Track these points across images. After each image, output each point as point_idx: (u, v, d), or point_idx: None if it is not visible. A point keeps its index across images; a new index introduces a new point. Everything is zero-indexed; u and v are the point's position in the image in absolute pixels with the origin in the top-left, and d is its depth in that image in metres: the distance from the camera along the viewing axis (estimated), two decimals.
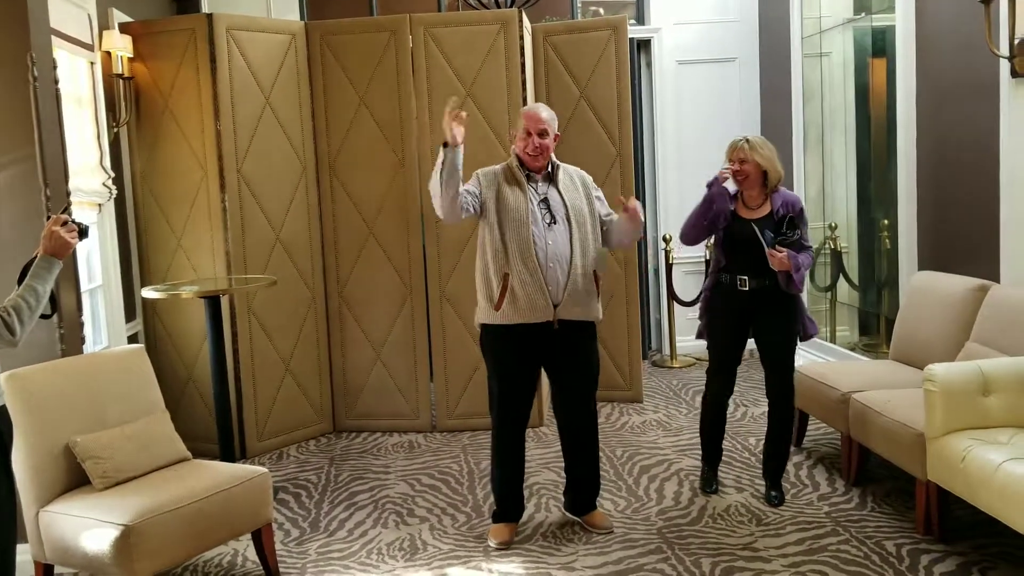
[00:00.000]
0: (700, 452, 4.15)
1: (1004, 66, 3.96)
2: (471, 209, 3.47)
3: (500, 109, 5.01)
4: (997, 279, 4.12)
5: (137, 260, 5.03)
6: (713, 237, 3.91)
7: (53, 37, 3.79)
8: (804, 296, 3.84)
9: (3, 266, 3.30)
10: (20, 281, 2.62)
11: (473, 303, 3.72)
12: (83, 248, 4.34)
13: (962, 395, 3.29)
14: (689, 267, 6.78)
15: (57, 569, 3.26)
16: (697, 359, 6.73)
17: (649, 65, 6.86)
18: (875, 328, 6.05)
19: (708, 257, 6.50)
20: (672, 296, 6.65)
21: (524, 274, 3.44)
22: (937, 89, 4.64)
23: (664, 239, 6.68)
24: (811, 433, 4.72)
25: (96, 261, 4.62)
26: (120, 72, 4.74)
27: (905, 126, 4.90)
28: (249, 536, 3.52)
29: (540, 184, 3.55)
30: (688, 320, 6.67)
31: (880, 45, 5.68)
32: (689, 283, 6.76)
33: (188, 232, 4.92)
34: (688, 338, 6.59)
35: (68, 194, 3.77)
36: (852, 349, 6.04)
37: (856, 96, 6.05)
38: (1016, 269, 4.01)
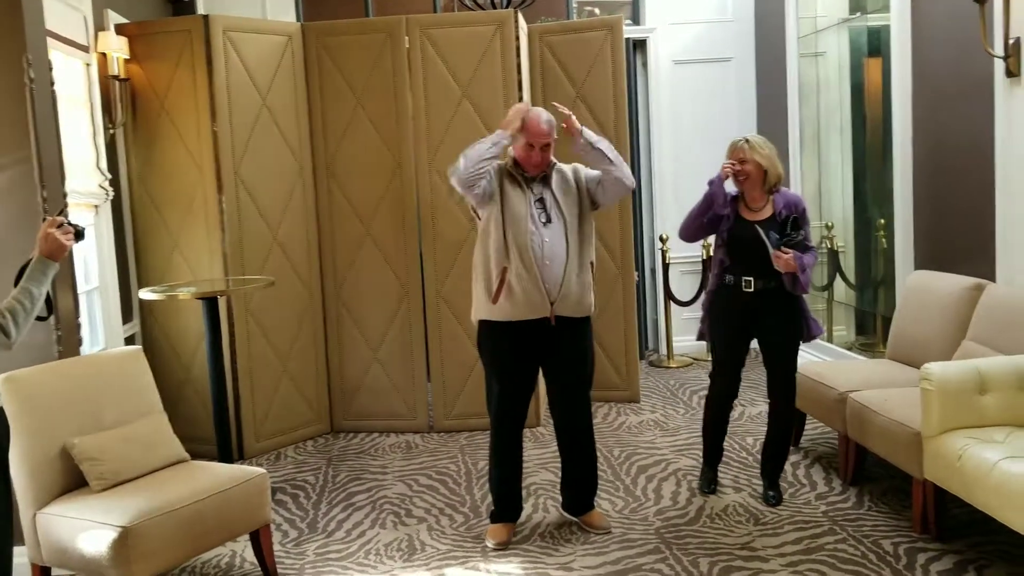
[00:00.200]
0: (697, 451, 4.17)
1: (999, 66, 3.97)
2: (483, 190, 3.48)
3: (496, 110, 5.00)
4: (993, 278, 4.13)
5: (134, 261, 5.02)
6: (713, 237, 3.90)
7: (49, 39, 3.78)
8: (809, 292, 3.84)
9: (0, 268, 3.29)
10: (17, 283, 2.62)
11: (470, 303, 3.72)
12: (80, 250, 4.34)
13: (958, 394, 3.30)
14: (686, 267, 6.78)
15: (54, 571, 3.25)
16: (694, 359, 6.74)
17: (645, 65, 6.87)
18: (872, 327, 6.07)
19: (705, 257, 6.51)
20: (669, 296, 6.66)
21: (521, 270, 3.47)
22: (932, 89, 4.65)
23: (661, 239, 6.69)
24: (808, 433, 4.73)
25: (93, 263, 4.61)
26: (116, 73, 4.74)
27: (901, 126, 4.91)
28: (247, 537, 3.53)
29: (536, 185, 3.57)
30: (684, 320, 6.69)
31: (875, 45, 5.69)
32: (686, 283, 6.76)
33: (185, 233, 4.91)
34: (685, 338, 6.61)
35: (64, 196, 3.76)
36: (849, 348, 6.05)
37: (852, 96, 6.06)
38: (1011, 268, 4.02)
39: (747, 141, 3.75)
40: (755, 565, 3.35)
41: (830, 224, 6.17)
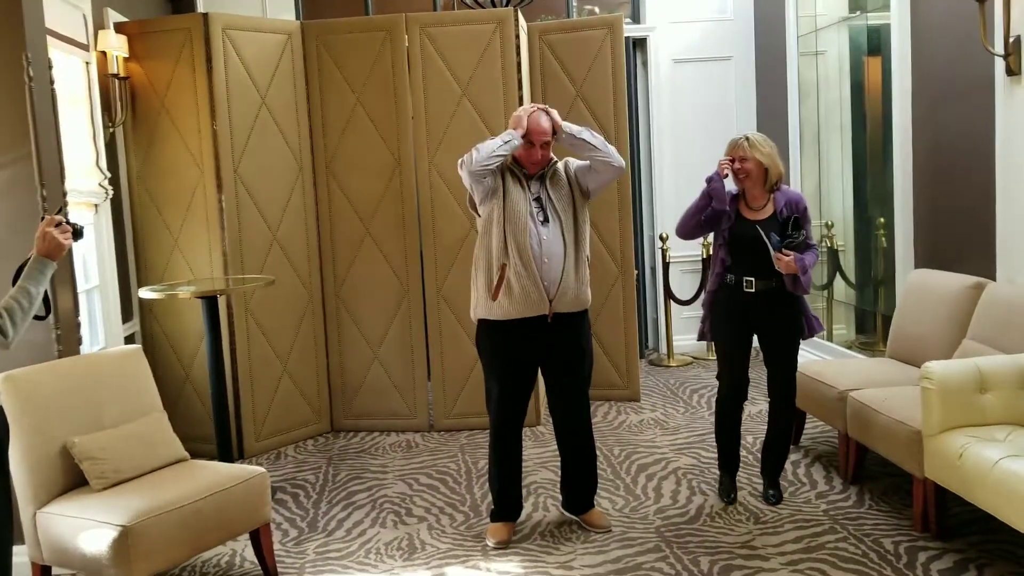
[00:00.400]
0: (698, 450, 4.14)
1: (999, 64, 3.97)
2: (489, 180, 3.51)
3: (496, 108, 5.00)
4: (993, 277, 4.13)
5: (134, 260, 5.02)
6: (713, 236, 3.88)
7: (48, 37, 3.78)
8: (810, 293, 3.82)
9: None
10: (15, 282, 2.61)
11: (470, 301, 3.72)
12: (79, 249, 4.34)
13: (959, 393, 3.30)
14: (686, 266, 6.78)
15: (55, 570, 3.25)
16: (695, 358, 6.74)
17: (645, 64, 6.87)
18: (872, 326, 6.06)
19: (705, 256, 6.51)
20: (669, 295, 6.65)
21: (520, 267, 3.48)
22: (932, 87, 4.65)
23: (661, 238, 6.69)
24: (808, 431, 4.73)
25: (93, 262, 4.61)
26: (116, 72, 4.74)
27: (901, 124, 4.91)
28: (247, 536, 3.52)
29: (534, 183, 3.58)
30: (684, 319, 6.68)
31: (875, 43, 5.68)
32: (686, 282, 6.76)
33: (185, 232, 4.91)
34: (685, 337, 6.61)
35: (64, 194, 3.76)
36: (849, 347, 6.05)
37: (852, 94, 6.05)
38: (1012, 266, 4.02)
39: (747, 139, 3.71)
40: (755, 564, 3.35)
41: (830, 223, 6.16)
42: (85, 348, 4.05)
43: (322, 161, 5.21)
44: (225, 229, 4.83)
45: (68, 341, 3.63)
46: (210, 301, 4.11)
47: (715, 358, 4.89)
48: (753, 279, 3.72)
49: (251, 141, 4.92)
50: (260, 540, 3.42)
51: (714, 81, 6.79)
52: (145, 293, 4.18)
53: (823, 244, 6.19)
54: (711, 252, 4.04)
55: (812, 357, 5.78)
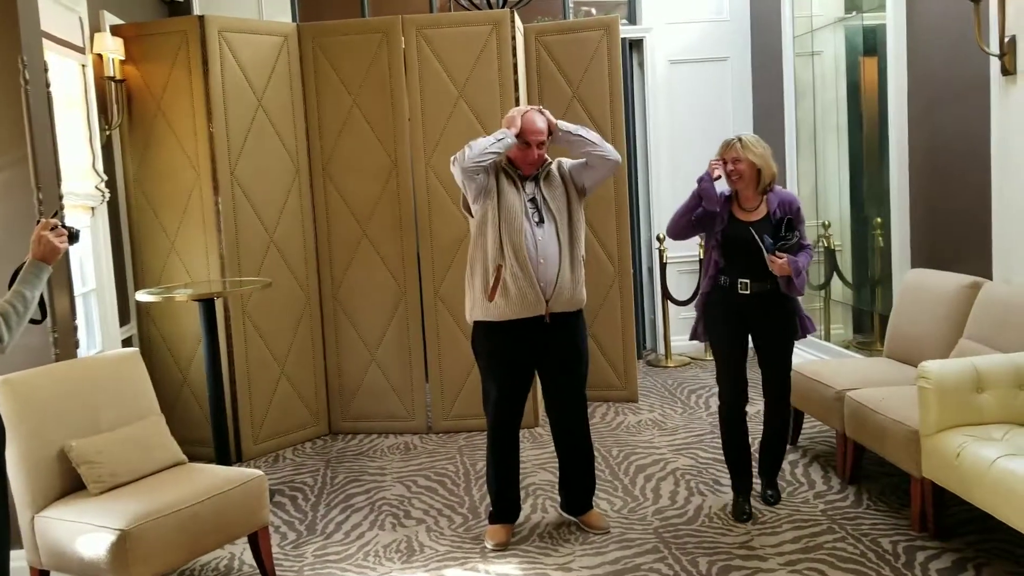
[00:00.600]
0: (696, 451, 4.12)
1: (994, 64, 3.97)
2: (482, 179, 3.51)
3: (493, 109, 5.00)
4: (989, 276, 4.13)
5: (131, 263, 5.01)
6: (705, 238, 3.87)
7: (44, 40, 3.78)
8: (804, 295, 3.81)
9: None
10: (11, 286, 2.61)
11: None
12: (76, 252, 4.33)
13: (956, 392, 3.30)
14: (683, 266, 6.79)
15: (53, 575, 3.24)
16: (692, 359, 6.74)
17: (641, 65, 6.87)
18: (869, 326, 6.07)
19: (702, 256, 6.51)
20: (666, 295, 6.66)
21: (516, 268, 3.48)
22: (928, 87, 4.66)
23: (658, 239, 6.69)
24: (806, 431, 4.74)
25: (89, 265, 4.60)
26: (112, 74, 4.73)
27: (897, 124, 4.92)
28: (246, 540, 3.52)
29: (529, 184, 3.59)
30: (682, 319, 6.68)
31: (871, 44, 5.69)
32: (683, 282, 6.77)
33: (182, 235, 4.90)
34: (683, 338, 6.56)
35: (61, 197, 3.75)
36: (846, 347, 6.05)
37: (848, 94, 6.06)
38: (1008, 266, 4.03)
39: (740, 140, 3.68)
40: (753, 564, 3.35)
41: (827, 223, 6.17)
42: (82, 351, 4.05)
43: (319, 163, 5.21)
44: (222, 231, 4.82)
45: (65, 345, 3.63)
46: (207, 304, 4.11)
47: (712, 358, 4.88)
48: (748, 281, 3.70)
49: (247, 143, 4.92)
50: (258, 543, 3.42)
51: (710, 82, 6.80)
52: (142, 296, 4.18)
53: (820, 244, 6.20)
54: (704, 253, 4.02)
55: (809, 357, 5.79)
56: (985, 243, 4.18)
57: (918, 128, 4.78)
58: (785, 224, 3.65)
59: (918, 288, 4.42)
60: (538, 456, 4.70)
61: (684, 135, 6.74)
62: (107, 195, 4.68)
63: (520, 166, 3.58)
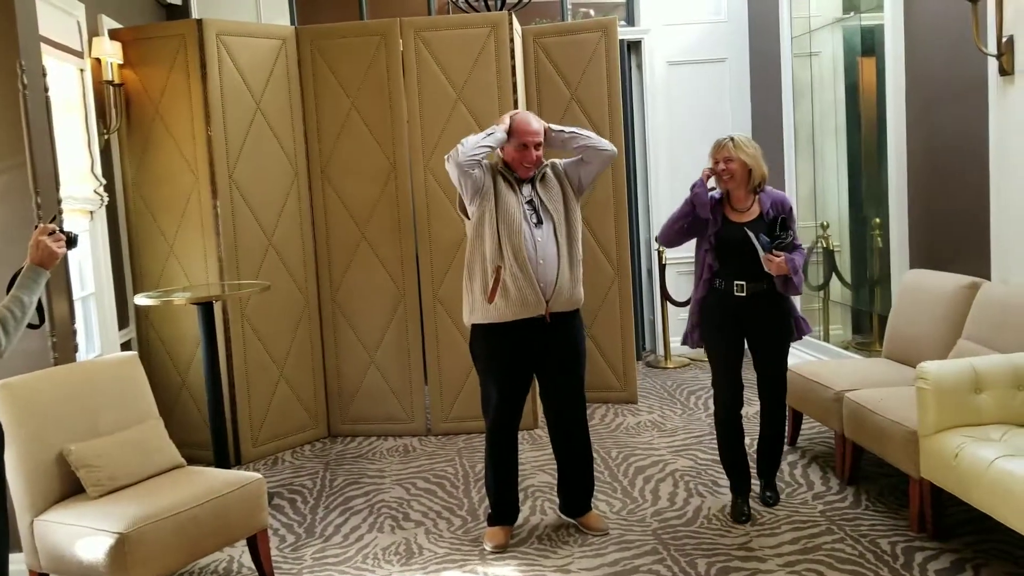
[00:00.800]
0: (695, 452, 4.12)
1: (992, 64, 3.98)
2: (478, 175, 3.52)
3: (491, 112, 5.00)
4: (988, 276, 4.14)
5: (129, 267, 5.02)
6: (696, 241, 3.83)
7: (42, 44, 3.78)
8: (802, 294, 3.81)
9: None
10: (9, 291, 2.61)
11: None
12: (75, 256, 4.33)
13: (954, 393, 3.30)
14: (682, 267, 6.78)
15: None
16: (691, 360, 6.74)
17: (639, 66, 6.88)
18: (868, 326, 6.07)
19: None
20: (665, 297, 6.66)
21: (515, 269, 3.49)
22: (926, 88, 4.66)
23: (657, 240, 6.69)
24: (805, 432, 4.74)
25: (88, 269, 4.61)
26: (110, 79, 4.73)
27: (895, 125, 4.92)
28: (244, 542, 3.52)
29: (525, 186, 3.60)
30: (681, 320, 6.66)
31: (869, 44, 5.70)
32: (682, 283, 6.76)
33: (180, 238, 4.91)
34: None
35: (59, 202, 3.76)
36: (845, 348, 6.06)
37: (846, 95, 6.07)
38: (1006, 266, 4.03)
39: (732, 139, 3.69)
40: (752, 565, 3.35)
41: (826, 224, 6.17)
42: (81, 355, 4.05)
43: (317, 166, 5.21)
44: (220, 235, 4.83)
45: (64, 348, 3.63)
46: (206, 307, 4.11)
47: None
48: (743, 283, 3.69)
49: (246, 146, 4.92)
50: (257, 546, 3.42)
51: (709, 83, 6.80)
52: (141, 300, 4.18)
53: (819, 245, 6.20)
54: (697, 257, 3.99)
55: (808, 358, 5.79)
56: (983, 243, 4.18)
57: (916, 128, 4.79)
58: (779, 223, 3.65)
59: (917, 289, 4.42)
60: (537, 458, 4.70)
61: (683, 136, 6.74)
62: (105, 199, 4.69)
63: (516, 168, 3.58)
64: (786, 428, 4.11)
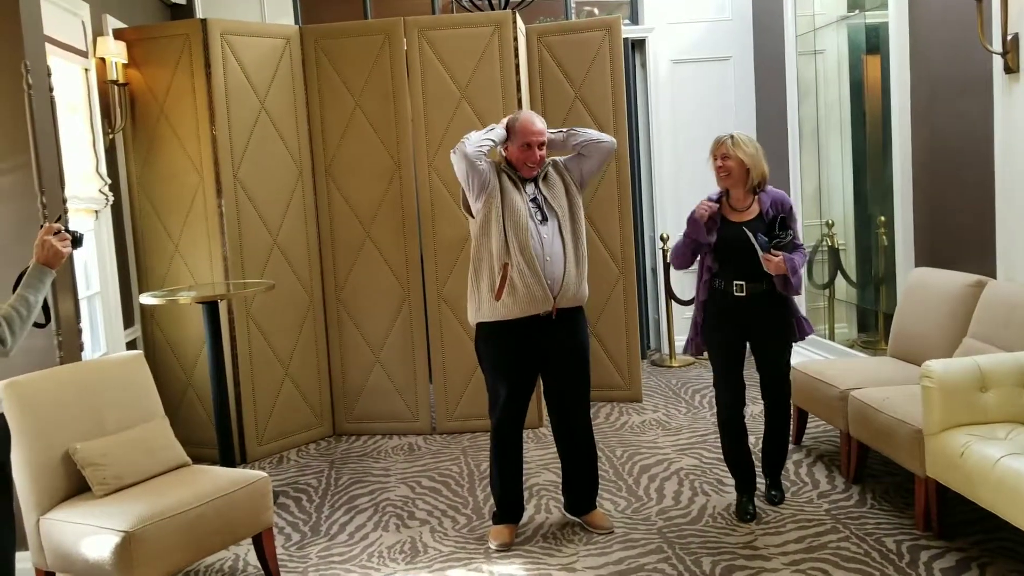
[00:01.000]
0: (700, 450, 4.11)
1: (997, 62, 3.97)
2: (484, 169, 3.54)
3: (495, 111, 5.00)
4: (993, 274, 4.12)
5: (134, 266, 5.03)
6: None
7: (47, 44, 3.79)
8: (802, 294, 3.79)
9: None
10: (15, 290, 2.62)
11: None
12: (80, 255, 4.34)
13: (960, 391, 3.30)
14: None
15: None
16: (696, 358, 6.73)
17: (644, 65, 6.87)
18: (873, 325, 6.06)
19: None
20: (670, 295, 6.65)
21: (523, 266, 3.50)
22: (931, 86, 4.65)
23: (661, 238, 6.69)
24: (810, 431, 4.73)
25: (93, 268, 4.62)
26: (115, 78, 4.74)
27: (900, 123, 4.91)
28: (250, 541, 3.53)
29: (529, 185, 3.62)
30: (686, 319, 6.66)
31: (874, 42, 5.68)
32: (687, 282, 6.74)
33: (185, 238, 4.92)
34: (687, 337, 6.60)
35: (64, 201, 3.77)
36: (850, 346, 6.04)
37: (851, 93, 6.05)
38: (1012, 264, 4.02)
39: (732, 137, 3.66)
40: (757, 564, 3.35)
41: (831, 222, 6.16)
42: (87, 354, 4.06)
43: (322, 165, 5.22)
44: (225, 234, 4.84)
45: (70, 347, 3.64)
46: (211, 306, 4.12)
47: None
48: (743, 283, 3.67)
49: (250, 146, 4.93)
50: (263, 544, 3.43)
51: (713, 81, 6.79)
52: (146, 299, 4.19)
53: (824, 243, 6.19)
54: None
55: (813, 356, 5.78)
56: (989, 241, 4.17)
57: (921, 126, 4.78)
58: (779, 222, 3.62)
59: (922, 287, 4.41)
60: (542, 456, 4.70)
61: (687, 135, 6.73)
62: (111, 199, 4.70)
63: (520, 168, 3.60)
64: (791, 428, 4.10)
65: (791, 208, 3.75)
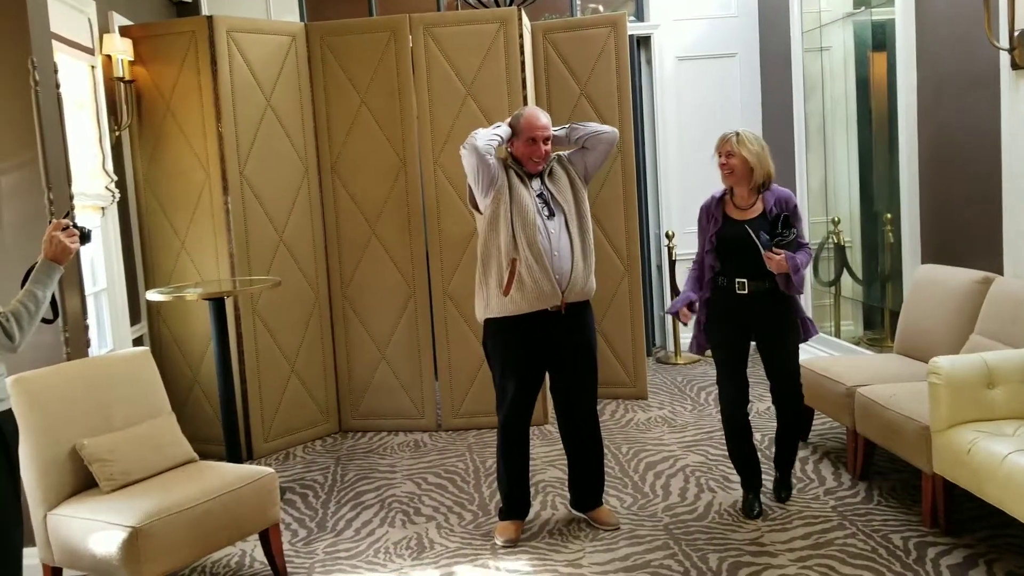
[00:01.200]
0: (706, 447, 4.11)
1: (1004, 58, 3.95)
2: (494, 163, 3.54)
3: (500, 108, 5.00)
4: (1000, 271, 4.11)
5: (141, 263, 5.04)
6: (698, 244, 3.83)
7: (54, 41, 3.79)
8: (807, 292, 3.78)
9: (7, 270, 3.31)
10: (23, 286, 2.63)
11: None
12: (87, 251, 4.36)
13: (967, 388, 3.29)
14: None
15: (65, 572, 3.26)
16: (702, 355, 6.72)
17: (649, 62, 6.86)
18: (879, 322, 6.05)
19: None
20: (676, 292, 6.65)
21: (531, 260, 3.50)
22: (938, 82, 4.64)
23: (667, 235, 6.69)
24: (817, 427, 4.72)
25: (100, 264, 4.63)
26: (121, 75, 4.75)
27: (906, 120, 4.90)
28: (256, 537, 3.54)
29: (535, 181, 3.62)
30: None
31: (880, 39, 5.67)
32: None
33: (191, 234, 4.93)
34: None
35: (71, 198, 3.77)
36: (857, 343, 6.03)
37: (857, 90, 6.04)
38: (1019, 261, 4.01)
39: (737, 134, 3.63)
40: (764, 560, 3.35)
41: (837, 219, 6.15)
42: (93, 350, 4.07)
43: (327, 162, 5.22)
44: (231, 231, 4.84)
45: (77, 344, 3.65)
46: (217, 303, 4.13)
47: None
48: (745, 280, 3.65)
49: (256, 143, 4.94)
50: (269, 540, 3.43)
51: (719, 78, 6.78)
52: (153, 295, 4.20)
53: (830, 240, 6.18)
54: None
55: (820, 353, 5.77)
56: (996, 238, 4.16)
57: (927, 123, 4.76)
58: (782, 221, 3.60)
59: (928, 284, 4.40)
60: (548, 453, 4.70)
61: (692, 132, 6.73)
62: (117, 195, 4.71)
63: (526, 163, 3.60)
64: (800, 427, 4.07)
65: (795, 207, 3.71)
